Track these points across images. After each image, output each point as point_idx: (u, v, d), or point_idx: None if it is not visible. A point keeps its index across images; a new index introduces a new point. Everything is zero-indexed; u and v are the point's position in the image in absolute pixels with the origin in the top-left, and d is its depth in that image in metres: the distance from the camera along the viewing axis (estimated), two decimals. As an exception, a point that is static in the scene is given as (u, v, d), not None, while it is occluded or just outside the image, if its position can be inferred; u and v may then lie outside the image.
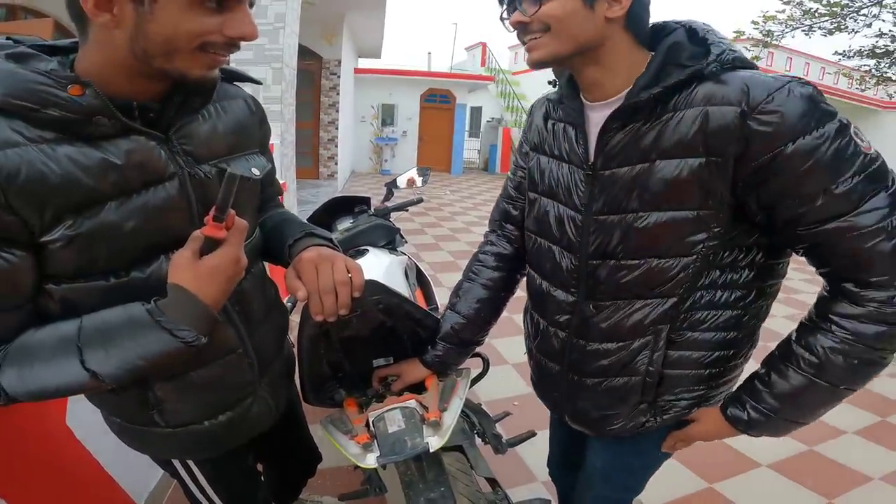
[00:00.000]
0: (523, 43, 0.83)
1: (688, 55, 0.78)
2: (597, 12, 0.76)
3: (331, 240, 0.90)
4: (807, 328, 0.78)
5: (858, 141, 0.69)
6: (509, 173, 1.12)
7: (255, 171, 0.87)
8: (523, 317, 1.09)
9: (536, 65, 0.82)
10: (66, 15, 0.64)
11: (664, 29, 0.85)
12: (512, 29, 0.83)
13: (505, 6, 0.84)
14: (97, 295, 0.68)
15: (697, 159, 0.75)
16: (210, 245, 0.67)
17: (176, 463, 0.98)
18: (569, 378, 0.97)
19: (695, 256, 0.79)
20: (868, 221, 0.68)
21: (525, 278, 1.10)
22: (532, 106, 1.08)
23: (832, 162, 0.68)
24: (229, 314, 0.83)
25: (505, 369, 2.85)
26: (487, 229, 1.18)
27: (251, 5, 0.69)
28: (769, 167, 0.70)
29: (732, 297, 0.82)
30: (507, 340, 3.12)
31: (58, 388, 0.63)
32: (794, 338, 0.79)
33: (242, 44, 0.70)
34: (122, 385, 0.67)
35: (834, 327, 0.73)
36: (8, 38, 0.66)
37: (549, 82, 1.10)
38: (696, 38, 0.81)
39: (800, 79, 0.72)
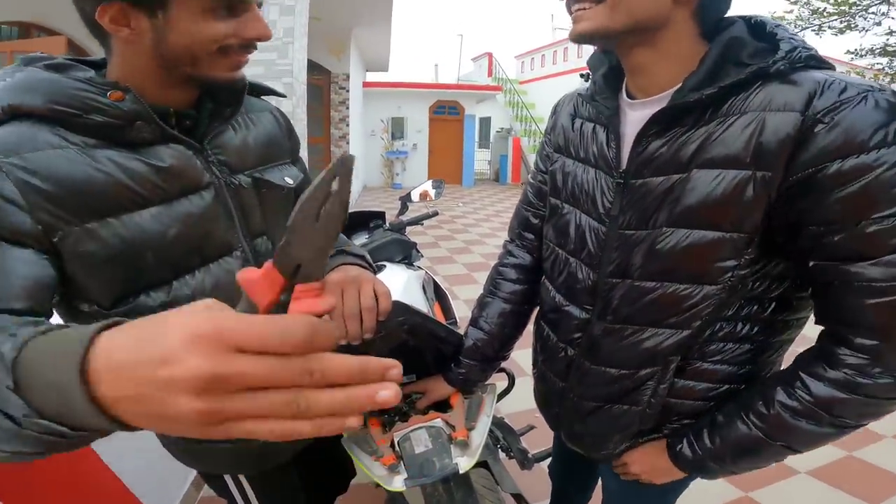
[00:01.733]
0: (570, 13, 0.72)
1: (750, 52, 0.67)
2: None
3: (363, 256, 0.90)
4: (772, 380, 0.72)
5: None
6: (529, 177, 1.06)
7: (289, 181, 0.88)
8: (534, 326, 1.05)
9: (580, 38, 0.71)
10: (78, 33, 0.66)
11: (722, 21, 0.73)
12: None
13: None
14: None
15: (742, 172, 0.64)
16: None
17: (227, 478, 0.99)
18: (570, 397, 0.92)
19: (721, 286, 0.69)
20: (882, 276, 0.59)
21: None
22: (557, 103, 0.98)
23: (875, 191, 0.57)
24: None
25: (527, 381, 2.79)
26: (507, 238, 1.12)
27: (259, 6, 0.70)
28: (805, 183, 0.61)
29: (755, 330, 0.73)
30: (528, 352, 3.07)
31: None
32: (756, 387, 0.74)
33: (253, 59, 0.72)
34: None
35: (798, 384, 0.67)
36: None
37: (582, 75, 1.07)
38: (761, 32, 0.70)
39: (890, 89, 0.60)
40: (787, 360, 0.79)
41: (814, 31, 7.80)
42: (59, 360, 0.32)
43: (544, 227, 0.96)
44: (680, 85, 0.69)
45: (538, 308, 1.03)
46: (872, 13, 7.32)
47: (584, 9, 0.69)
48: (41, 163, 0.59)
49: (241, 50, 0.69)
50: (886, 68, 7.76)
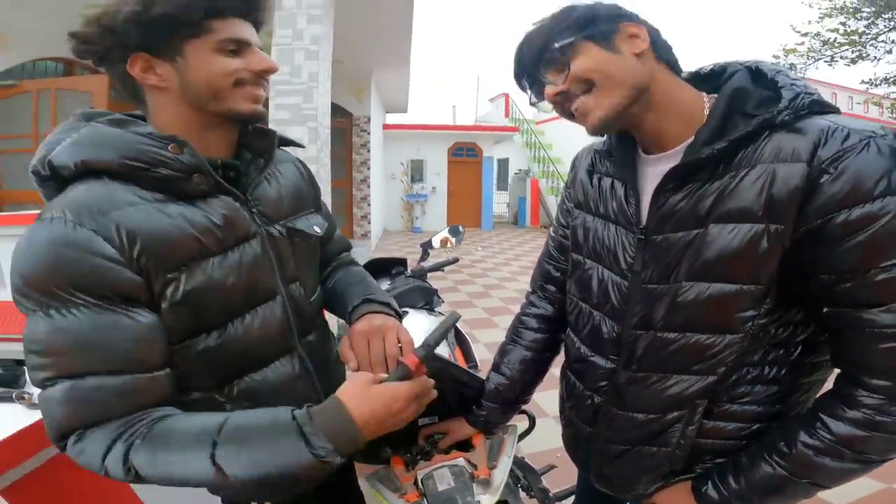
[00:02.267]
0: (569, 115, 0.77)
1: (755, 102, 0.70)
2: (624, 53, 0.71)
3: (389, 303, 0.93)
4: (795, 422, 0.72)
5: None
6: (551, 231, 1.09)
7: (317, 230, 0.92)
8: (560, 374, 1.07)
9: (599, 128, 0.75)
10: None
11: (725, 71, 0.77)
12: (550, 104, 0.78)
13: (529, 90, 0.80)
14: (200, 356, 0.71)
15: (756, 225, 0.66)
16: (399, 375, 0.73)
17: None
18: (599, 442, 0.92)
19: (742, 334, 0.71)
20: (893, 322, 0.60)
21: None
22: (576, 157, 1.01)
23: (882, 240, 0.59)
24: (304, 362, 0.87)
25: (547, 422, 2.86)
26: (529, 289, 1.16)
27: (260, 48, 0.78)
28: (815, 233, 0.63)
29: (782, 372, 0.74)
30: (549, 394, 3.03)
31: (183, 478, 0.60)
32: (779, 428, 0.74)
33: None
34: (245, 495, 0.64)
35: (818, 425, 0.68)
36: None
37: None
38: (763, 80, 0.72)
39: (892, 132, 0.63)
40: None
41: (826, 62, 7.82)
42: (340, 424, 0.65)
43: (567, 282, 0.98)
44: (692, 139, 0.72)
45: (564, 358, 1.04)
46: (882, 41, 7.35)
47: (583, 100, 0.73)
48: (127, 220, 0.63)
49: (255, 82, 0.75)
50: (902, 96, 7.71)
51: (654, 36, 0.73)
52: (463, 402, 1.12)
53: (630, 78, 0.71)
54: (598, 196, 0.88)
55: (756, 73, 0.74)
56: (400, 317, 0.95)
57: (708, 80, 0.81)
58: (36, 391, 0.98)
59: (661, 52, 0.74)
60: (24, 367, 1.09)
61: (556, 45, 0.73)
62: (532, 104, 0.82)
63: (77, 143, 0.66)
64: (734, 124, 0.69)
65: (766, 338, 0.72)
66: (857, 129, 0.62)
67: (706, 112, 0.74)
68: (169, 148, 0.68)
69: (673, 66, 0.76)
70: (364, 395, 0.67)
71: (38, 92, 5.51)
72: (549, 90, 0.76)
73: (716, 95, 0.75)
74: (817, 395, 0.75)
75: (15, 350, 1.15)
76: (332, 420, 0.64)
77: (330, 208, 1.11)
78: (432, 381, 0.75)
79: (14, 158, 5.89)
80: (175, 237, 0.67)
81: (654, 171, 0.78)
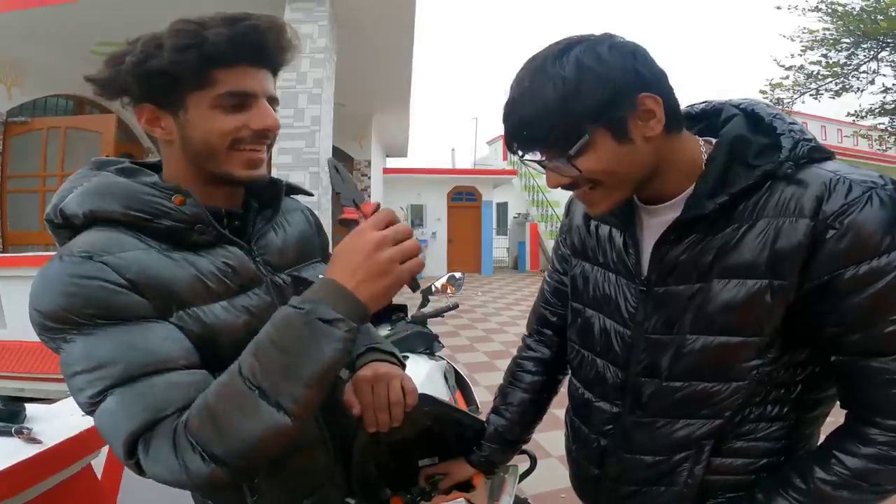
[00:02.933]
0: (570, 189, 0.74)
1: (756, 151, 0.68)
2: (636, 141, 0.66)
3: (393, 353, 0.95)
4: (808, 458, 0.72)
5: None
6: (546, 276, 1.08)
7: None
8: (565, 417, 1.05)
9: (602, 218, 0.77)
10: (128, 110, 0.74)
11: (720, 113, 0.75)
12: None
13: (519, 157, 0.73)
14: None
15: (759, 281, 0.66)
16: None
17: None
18: (607, 482, 0.91)
19: (748, 381, 0.71)
20: None
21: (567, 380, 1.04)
22: (570, 202, 0.97)
23: (890, 294, 0.60)
24: None
25: (551, 462, 2.79)
26: (525, 333, 1.15)
27: (273, 102, 0.75)
28: (822, 289, 0.63)
29: (785, 410, 0.74)
30: (552, 434, 3.03)
31: (256, 432, 0.58)
32: (792, 465, 0.73)
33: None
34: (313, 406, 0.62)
35: (833, 461, 0.67)
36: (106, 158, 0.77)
37: None
38: (760, 124, 0.71)
39: (890, 180, 0.63)
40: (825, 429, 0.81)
41: (811, 95, 8.02)
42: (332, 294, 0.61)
43: (568, 330, 0.96)
44: (692, 189, 0.71)
45: (568, 401, 1.02)
46: (864, 72, 7.56)
47: (586, 191, 0.71)
48: (133, 260, 0.64)
49: (253, 142, 0.72)
50: (889, 127, 7.87)
51: (668, 106, 0.67)
52: (463, 443, 1.12)
53: (639, 171, 0.69)
54: (597, 244, 0.87)
55: (752, 116, 0.73)
56: (403, 366, 0.96)
57: (700, 118, 0.80)
58: (35, 427, 0.99)
59: (671, 121, 0.68)
60: (24, 404, 1.09)
61: (570, 153, 0.66)
62: (522, 161, 0.74)
63: (86, 192, 0.68)
64: (735, 174, 0.68)
65: (770, 381, 0.72)
66: (858, 181, 0.62)
67: (704, 158, 0.72)
68: (173, 199, 0.68)
69: (680, 124, 0.71)
70: (334, 259, 0.64)
71: (48, 130, 5.63)
72: (552, 180, 0.72)
73: (712, 140, 0.74)
74: (821, 430, 0.76)
75: (11, 388, 1.14)
76: (326, 294, 0.61)
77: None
78: (393, 212, 0.68)
79: (20, 199, 5.94)
80: (180, 279, 0.67)
81: (653, 222, 0.77)
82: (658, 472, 0.82)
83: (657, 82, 0.67)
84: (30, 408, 1.06)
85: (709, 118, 0.78)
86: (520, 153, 0.71)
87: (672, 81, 0.70)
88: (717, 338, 0.70)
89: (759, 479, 0.77)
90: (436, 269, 12.31)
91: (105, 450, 1.21)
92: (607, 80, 0.64)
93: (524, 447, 1.16)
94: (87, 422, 1.05)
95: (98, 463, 1.20)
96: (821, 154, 0.67)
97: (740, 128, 0.71)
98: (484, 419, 1.13)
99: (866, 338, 0.62)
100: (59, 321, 0.61)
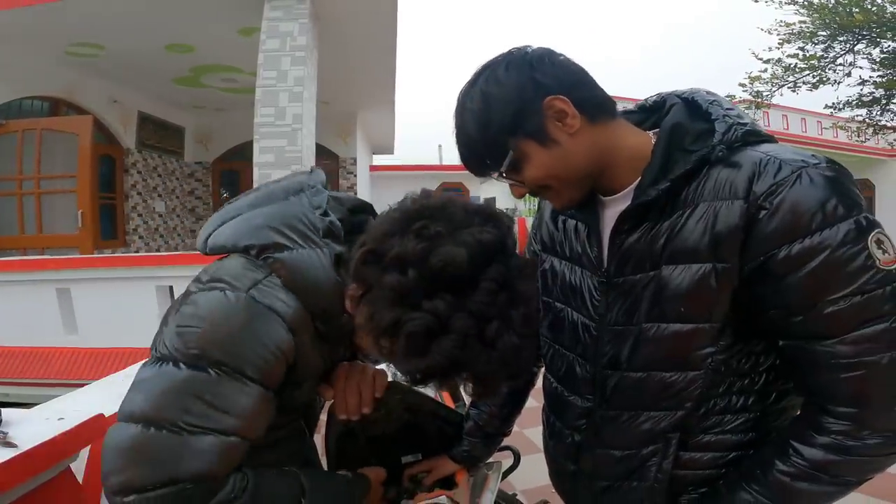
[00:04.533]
0: (534, 195, 0.81)
1: (692, 137, 0.70)
2: (562, 141, 0.70)
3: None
4: (768, 450, 0.72)
5: (876, 252, 0.59)
6: None
7: None
8: (542, 413, 1.07)
9: (563, 211, 0.84)
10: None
11: (664, 104, 0.77)
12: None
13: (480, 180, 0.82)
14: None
15: (703, 265, 0.67)
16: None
17: None
18: (582, 478, 0.92)
19: (703, 370, 0.71)
20: (850, 353, 0.60)
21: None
22: (541, 200, 0.99)
23: (828, 273, 0.59)
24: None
25: (540, 457, 2.78)
26: None
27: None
28: (759, 270, 0.64)
29: (750, 401, 0.74)
30: (539, 429, 3.05)
31: None
32: (755, 458, 0.74)
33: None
34: None
35: (791, 452, 0.67)
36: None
37: None
38: (699, 111, 0.73)
39: (825, 160, 0.63)
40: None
41: (789, 87, 8.12)
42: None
43: (540, 325, 0.97)
44: (640, 179, 0.73)
45: (544, 398, 1.04)
46: (841, 65, 7.68)
47: (543, 196, 0.79)
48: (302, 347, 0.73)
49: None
50: (867, 119, 8.00)
51: (580, 99, 0.71)
52: (445, 439, 1.13)
53: (581, 165, 0.73)
54: (564, 238, 0.88)
55: (692, 104, 0.74)
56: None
57: (654, 111, 0.81)
58: (11, 431, 0.98)
59: (591, 112, 0.72)
60: (1, 409, 1.07)
61: (499, 171, 0.74)
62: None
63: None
64: (675, 161, 0.70)
65: (728, 371, 0.72)
66: (788, 160, 0.63)
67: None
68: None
69: (607, 112, 0.74)
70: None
71: (23, 132, 5.50)
72: (514, 192, 0.78)
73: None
74: (787, 425, 0.75)
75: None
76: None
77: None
78: None
79: (-1, 202, 5.80)
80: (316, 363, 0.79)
81: (610, 213, 0.78)
82: (628, 467, 0.83)
83: (559, 83, 0.71)
84: (5, 412, 1.05)
85: (659, 110, 0.79)
86: (478, 177, 0.79)
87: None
88: (670, 325, 0.71)
89: (728, 472, 0.77)
90: (424, 266, 12.29)
91: (85, 453, 1.20)
92: (508, 100, 0.70)
93: (507, 444, 1.18)
94: (64, 425, 1.04)
95: (78, 467, 1.19)
96: (757, 137, 0.68)
97: (679, 115, 0.73)
98: (464, 414, 1.14)
99: (807, 320, 0.62)
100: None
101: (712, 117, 0.70)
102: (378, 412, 0.91)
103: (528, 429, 3.38)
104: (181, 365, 0.63)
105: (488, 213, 0.66)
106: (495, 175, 0.75)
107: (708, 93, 0.75)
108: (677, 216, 0.69)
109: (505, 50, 0.76)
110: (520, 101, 0.70)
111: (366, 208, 0.89)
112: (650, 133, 0.77)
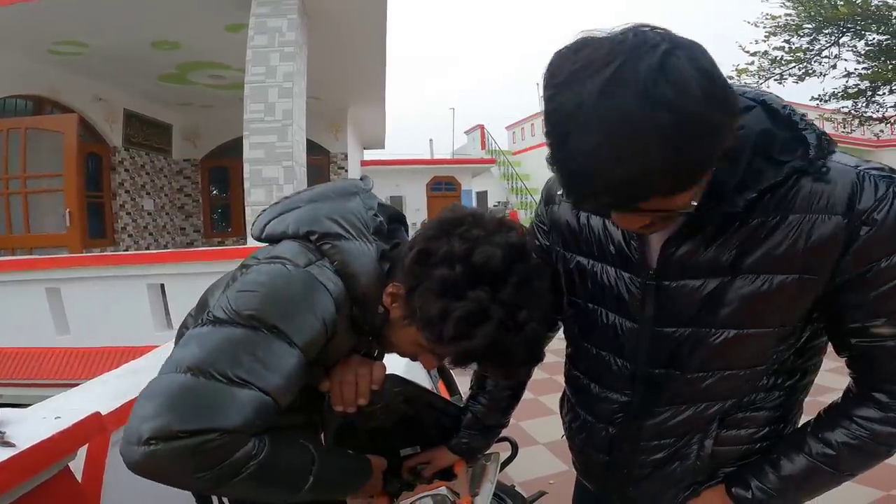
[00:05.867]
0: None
1: (780, 146, 0.66)
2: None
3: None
4: (825, 423, 0.77)
5: None
6: None
7: None
8: (560, 406, 1.06)
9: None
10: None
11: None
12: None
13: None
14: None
15: (788, 276, 0.67)
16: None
17: None
18: (617, 468, 0.91)
19: (767, 365, 0.75)
20: None
21: (565, 371, 1.01)
22: (548, 188, 0.94)
23: None
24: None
25: (538, 450, 2.83)
26: None
27: None
28: (853, 282, 0.66)
29: (780, 379, 0.79)
30: (538, 421, 3.13)
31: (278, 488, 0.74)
32: (809, 430, 0.78)
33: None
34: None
35: (854, 426, 0.73)
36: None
37: None
38: (777, 116, 0.69)
39: (890, 170, 0.65)
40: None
41: (776, 80, 8.17)
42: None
43: (565, 325, 0.97)
44: (706, 183, 0.63)
45: (567, 389, 1.02)
46: (826, 57, 7.74)
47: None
48: (339, 326, 0.79)
49: None
50: (852, 110, 8.08)
51: None
52: (443, 431, 1.14)
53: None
54: (590, 237, 0.83)
55: (769, 109, 0.69)
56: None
57: None
58: (8, 430, 0.98)
59: None
60: None
61: (678, 209, 0.60)
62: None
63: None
64: (757, 169, 0.66)
65: (785, 363, 0.77)
66: (876, 175, 0.65)
67: None
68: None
69: None
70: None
71: (7, 132, 5.42)
72: (633, 224, 0.65)
73: None
74: (838, 403, 0.79)
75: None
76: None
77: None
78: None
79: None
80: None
81: None
82: (669, 454, 0.84)
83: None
84: (1, 411, 1.05)
85: None
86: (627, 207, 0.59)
87: None
88: (744, 330, 0.72)
89: (767, 446, 0.82)
90: (417, 261, 12.26)
91: (83, 452, 1.20)
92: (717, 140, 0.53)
93: (505, 435, 1.18)
94: (62, 424, 1.04)
95: (77, 465, 1.19)
96: (832, 146, 0.67)
97: (764, 121, 0.68)
98: (462, 405, 1.14)
99: (889, 323, 0.67)
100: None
101: (799, 126, 0.66)
102: (375, 405, 0.92)
103: (525, 421, 3.37)
104: (237, 325, 0.69)
105: (509, 222, 0.78)
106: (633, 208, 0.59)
107: (776, 96, 0.71)
108: (757, 225, 0.67)
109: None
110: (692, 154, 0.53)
111: (400, 218, 0.97)
112: None
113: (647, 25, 0.54)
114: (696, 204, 0.59)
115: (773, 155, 0.65)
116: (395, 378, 1.03)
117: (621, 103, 0.49)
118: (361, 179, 0.93)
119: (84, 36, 5.24)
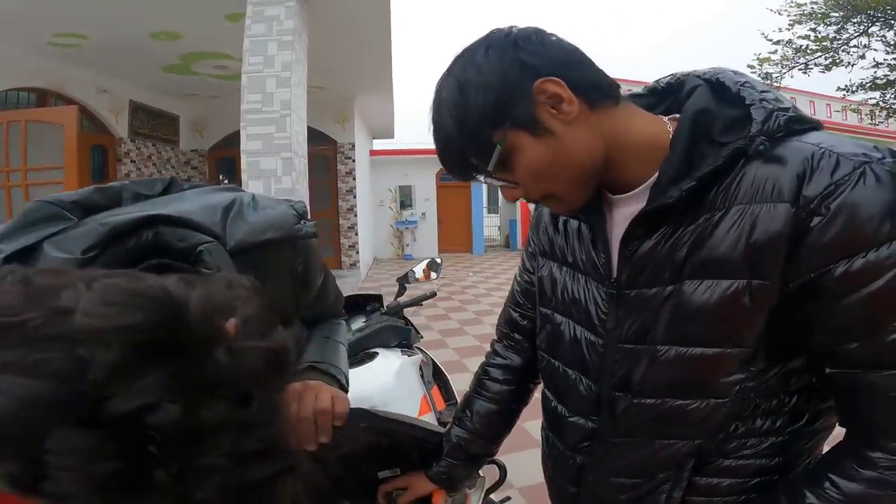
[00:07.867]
0: (528, 200, 0.71)
1: (722, 126, 0.60)
2: (557, 130, 0.60)
3: (334, 375, 0.87)
4: (798, 480, 0.63)
5: None
6: (515, 275, 0.99)
7: None
8: (541, 432, 0.98)
9: (571, 214, 0.73)
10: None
11: (683, 86, 0.66)
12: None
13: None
14: None
15: (735, 282, 0.57)
16: None
17: None
18: (585, 501, 0.84)
19: (729, 398, 0.62)
20: None
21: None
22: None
23: (892, 295, 0.50)
24: None
25: (539, 452, 2.71)
26: (494, 337, 1.06)
27: None
28: (809, 288, 0.54)
29: (778, 423, 0.65)
30: (539, 423, 2.98)
31: None
32: (781, 487, 0.65)
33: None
34: None
35: (827, 485, 0.58)
36: None
37: None
38: (726, 94, 0.62)
39: (889, 153, 0.53)
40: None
41: (800, 69, 7.94)
42: None
43: (537, 338, 0.89)
44: (656, 175, 0.62)
45: (543, 415, 0.95)
46: (854, 46, 7.47)
47: (544, 203, 0.69)
48: None
49: None
50: (880, 102, 7.80)
51: (574, 79, 0.60)
52: (426, 453, 1.04)
53: (582, 159, 0.62)
54: (565, 242, 0.79)
55: (718, 86, 0.63)
56: (345, 389, 0.88)
57: (668, 94, 0.70)
58: None
59: (591, 95, 0.61)
60: None
61: (486, 170, 0.63)
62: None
63: None
64: (701, 155, 0.59)
65: (758, 394, 0.62)
66: (847, 154, 0.52)
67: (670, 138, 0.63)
68: None
69: (610, 96, 0.63)
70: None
71: (7, 124, 5.41)
72: (506, 195, 0.69)
73: (678, 117, 0.64)
74: (822, 455, 0.65)
75: None
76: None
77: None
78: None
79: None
80: None
81: (621, 214, 0.68)
82: (636, 495, 0.74)
83: (552, 63, 0.60)
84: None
85: (675, 93, 0.69)
86: (463, 180, 0.70)
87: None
88: (691, 349, 0.61)
89: (749, 500, 0.68)
90: (426, 250, 12.33)
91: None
92: (489, 86, 0.60)
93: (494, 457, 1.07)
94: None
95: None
96: (802, 125, 0.57)
97: (704, 100, 0.62)
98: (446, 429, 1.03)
99: (867, 347, 0.53)
100: None
101: (746, 102, 0.59)
102: (338, 440, 0.82)
103: (528, 422, 3.35)
104: None
105: None
106: (482, 177, 0.65)
107: (735, 73, 0.64)
108: (704, 221, 0.59)
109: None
110: (504, 87, 0.59)
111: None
112: (665, 119, 0.66)
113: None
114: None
115: (716, 137, 0.59)
116: (362, 413, 0.91)
117: (434, 105, 0.65)
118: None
119: (83, 28, 5.18)
